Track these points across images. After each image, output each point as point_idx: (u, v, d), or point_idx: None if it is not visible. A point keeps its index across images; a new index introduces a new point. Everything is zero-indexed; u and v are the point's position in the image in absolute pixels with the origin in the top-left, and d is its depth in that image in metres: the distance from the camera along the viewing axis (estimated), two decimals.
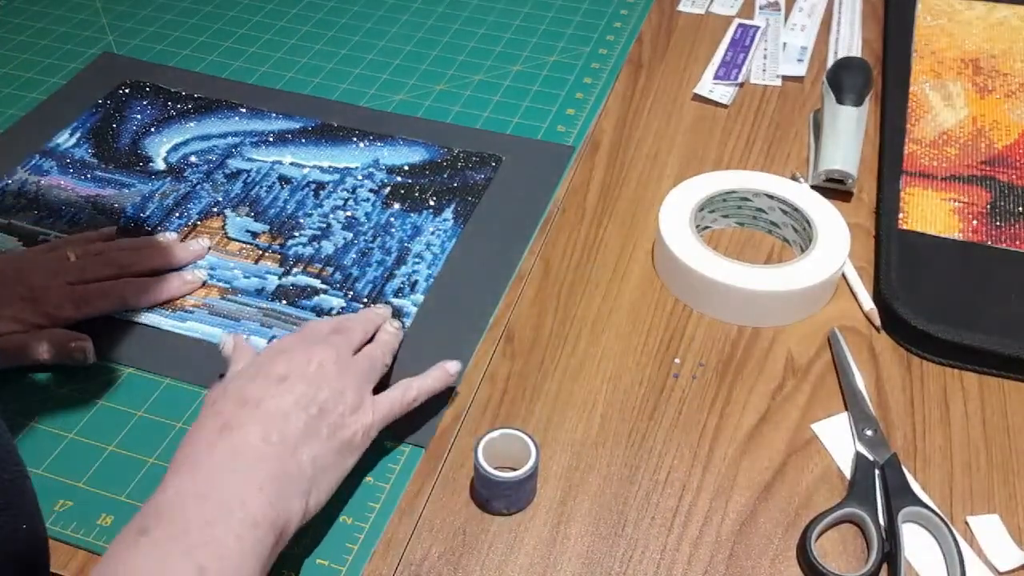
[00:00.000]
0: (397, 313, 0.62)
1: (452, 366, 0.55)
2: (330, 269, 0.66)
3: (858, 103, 0.72)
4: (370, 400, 0.51)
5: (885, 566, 0.48)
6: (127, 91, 0.84)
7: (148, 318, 0.62)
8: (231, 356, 0.54)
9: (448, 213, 0.71)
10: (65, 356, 0.58)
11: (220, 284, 0.65)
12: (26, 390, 0.58)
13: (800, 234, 0.65)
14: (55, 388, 0.58)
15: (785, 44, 0.89)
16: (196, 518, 0.41)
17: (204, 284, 0.65)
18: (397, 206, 0.71)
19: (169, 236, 0.68)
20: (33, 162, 0.76)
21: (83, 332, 0.59)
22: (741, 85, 0.83)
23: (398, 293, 0.64)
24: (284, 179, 0.74)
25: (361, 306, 0.63)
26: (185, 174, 0.75)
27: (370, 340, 0.56)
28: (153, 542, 0.39)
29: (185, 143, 0.78)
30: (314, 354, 0.50)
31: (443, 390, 0.55)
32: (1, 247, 0.68)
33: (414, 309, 0.63)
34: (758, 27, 0.90)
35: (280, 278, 0.65)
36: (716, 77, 0.83)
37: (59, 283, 0.60)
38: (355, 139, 0.78)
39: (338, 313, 0.63)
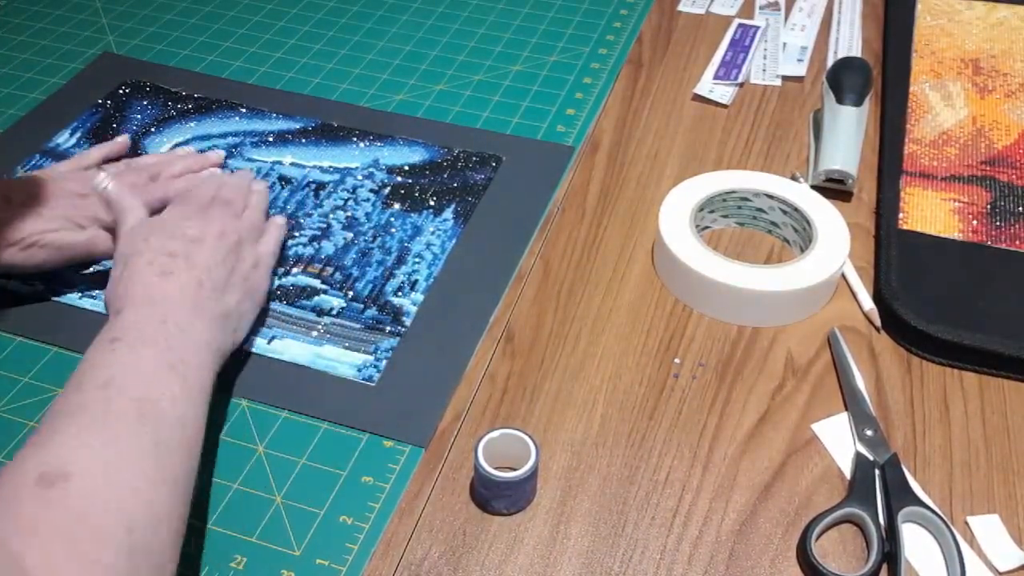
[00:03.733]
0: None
1: (279, 218, 0.66)
2: (330, 269, 0.66)
3: (858, 103, 0.72)
4: (257, 254, 0.60)
5: (885, 566, 0.48)
6: (127, 91, 0.84)
7: None
8: (117, 197, 0.60)
9: (448, 213, 0.71)
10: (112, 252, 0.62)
11: None
12: (25, 390, 0.58)
13: (800, 234, 0.65)
14: (54, 388, 0.58)
15: (785, 44, 0.89)
16: (160, 335, 0.48)
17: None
18: (397, 206, 0.71)
19: (187, 149, 0.75)
20: (33, 162, 0.76)
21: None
22: (741, 85, 0.83)
23: (398, 293, 0.64)
24: (284, 179, 0.74)
25: (361, 306, 0.63)
26: None
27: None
28: (128, 347, 0.46)
29: (185, 143, 0.78)
30: (214, 222, 0.58)
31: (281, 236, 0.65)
32: None
33: (414, 309, 0.63)
34: (758, 27, 0.90)
35: (280, 278, 0.65)
36: (716, 77, 0.83)
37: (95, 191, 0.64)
38: (355, 139, 0.78)
39: (338, 314, 0.63)
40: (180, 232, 0.56)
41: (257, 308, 0.59)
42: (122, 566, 0.35)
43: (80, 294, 0.64)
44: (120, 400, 0.43)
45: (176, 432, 0.43)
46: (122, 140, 0.74)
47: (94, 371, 0.45)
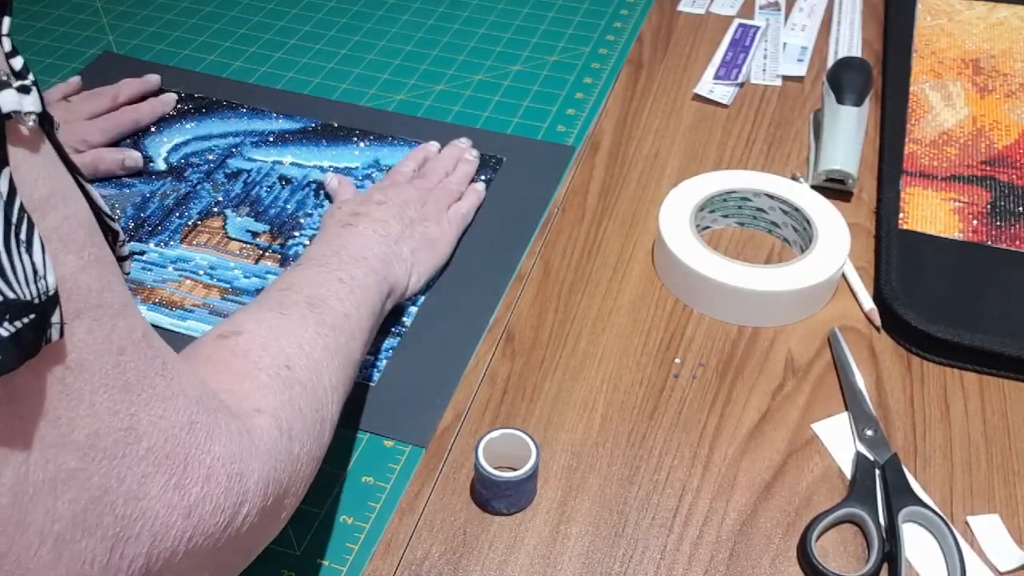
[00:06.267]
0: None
1: (479, 185, 0.72)
2: None
3: (858, 103, 0.72)
4: (446, 216, 0.67)
5: (885, 566, 0.48)
6: None
7: (148, 316, 0.62)
8: (336, 190, 0.70)
9: None
10: (117, 167, 0.73)
11: (220, 284, 0.65)
12: None
13: (800, 234, 0.65)
14: None
15: (785, 44, 0.89)
16: (334, 260, 0.56)
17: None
18: None
19: (132, 80, 0.82)
20: None
21: None
22: (741, 85, 0.83)
23: None
24: (284, 179, 0.74)
25: None
26: (185, 174, 0.75)
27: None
28: (306, 267, 0.55)
29: (185, 143, 0.78)
30: (402, 191, 0.66)
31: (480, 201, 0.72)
32: None
33: (414, 309, 0.63)
34: (758, 27, 0.90)
35: None
36: (716, 77, 0.83)
37: (78, 119, 0.75)
38: (355, 139, 0.78)
39: None
40: (368, 199, 0.64)
41: (437, 258, 0.64)
42: (277, 387, 0.42)
43: None
44: (294, 296, 0.51)
45: (340, 321, 0.50)
46: (74, 80, 0.82)
47: (277, 282, 0.53)
